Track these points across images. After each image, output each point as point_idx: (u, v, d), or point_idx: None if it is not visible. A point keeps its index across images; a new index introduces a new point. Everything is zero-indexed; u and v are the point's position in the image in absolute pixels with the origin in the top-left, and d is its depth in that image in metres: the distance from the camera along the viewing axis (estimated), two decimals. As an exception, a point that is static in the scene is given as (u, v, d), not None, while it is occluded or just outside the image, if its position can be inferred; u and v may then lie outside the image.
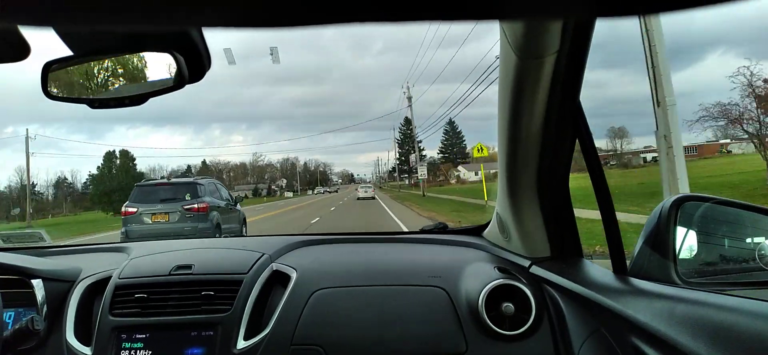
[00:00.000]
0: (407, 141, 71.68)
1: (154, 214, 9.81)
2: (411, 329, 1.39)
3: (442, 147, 78.41)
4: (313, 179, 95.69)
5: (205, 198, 9.99)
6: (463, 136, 77.02)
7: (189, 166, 74.76)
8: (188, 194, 9.96)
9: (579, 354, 1.24)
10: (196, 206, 9.68)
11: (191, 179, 11.06)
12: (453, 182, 65.02)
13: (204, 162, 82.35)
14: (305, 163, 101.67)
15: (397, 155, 75.29)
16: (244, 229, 11.66)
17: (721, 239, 1.33)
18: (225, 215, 10.46)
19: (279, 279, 1.55)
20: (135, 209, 9.85)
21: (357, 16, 0.25)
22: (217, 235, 9.43)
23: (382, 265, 1.65)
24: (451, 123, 76.16)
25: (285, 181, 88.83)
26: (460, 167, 70.00)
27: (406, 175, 74.77)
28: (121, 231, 10.03)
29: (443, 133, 78.10)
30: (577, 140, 1.29)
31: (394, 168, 77.91)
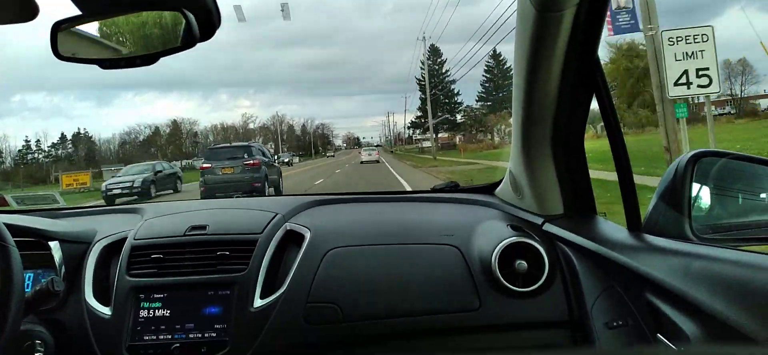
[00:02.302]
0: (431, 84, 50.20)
1: (223, 168, 13.34)
2: (424, 286, 1.40)
3: (482, 92, 56.76)
4: (303, 144, 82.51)
5: (256, 156, 13.68)
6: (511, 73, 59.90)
7: (157, 127, 72.21)
8: (245, 154, 13.64)
9: (592, 310, 1.25)
10: (251, 161, 13.35)
11: (246, 143, 15.31)
12: (497, 140, 48.73)
13: (174, 121, 74.91)
14: (303, 124, 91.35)
15: (420, 102, 56.74)
16: (281, 180, 15.28)
17: (737, 194, 1.32)
18: (269, 169, 14.26)
19: (293, 238, 1.56)
20: (210, 165, 13.54)
21: None
22: (266, 183, 13.43)
23: (395, 223, 1.65)
24: (495, 57, 54.19)
25: (272, 146, 76.46)
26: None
27: (429, 133, 51.77)
28: (201, 180, 13.52)
29: (484, 72, 55.82)
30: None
31: (412, 124, 62.16)
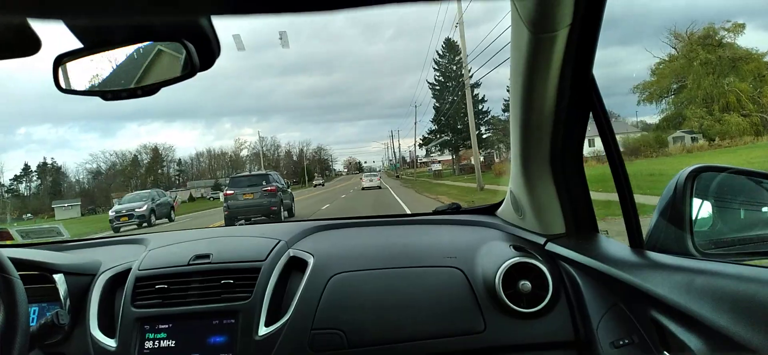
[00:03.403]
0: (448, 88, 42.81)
1: (244, 194, 15.06)
2: (429, 310, 1.40)
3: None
4: (297, 170, 73.04)
5: (273, 183, 15.38)
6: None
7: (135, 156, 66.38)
8: (264, 181, 15.36)
9: (597, 329, 1.24)
10: (269, 188, 15.00)
11: (264, 172, 17.39)
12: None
13: (155, 148, 69.12)
14: (302, 150, 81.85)
15: (434, 113, 45.36)
16: (293, 204, 16.99)
17: (738, 208, 1.31)
18: (283, 194, 15.86)
19: (296, 265, 1.56)
20: (232, 191, 15.37)
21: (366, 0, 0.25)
22: (281, 206, 14.88)
23: (398, 247, 1.65)
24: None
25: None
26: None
27: (447, 150, 45.42)
28: (224, 205, 15.44)
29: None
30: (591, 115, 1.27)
31: (423, 140, 47.76)
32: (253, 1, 0.25)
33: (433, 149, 50.77)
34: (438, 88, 45.42)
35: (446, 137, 45.21)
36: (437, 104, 45.27)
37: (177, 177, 71.42)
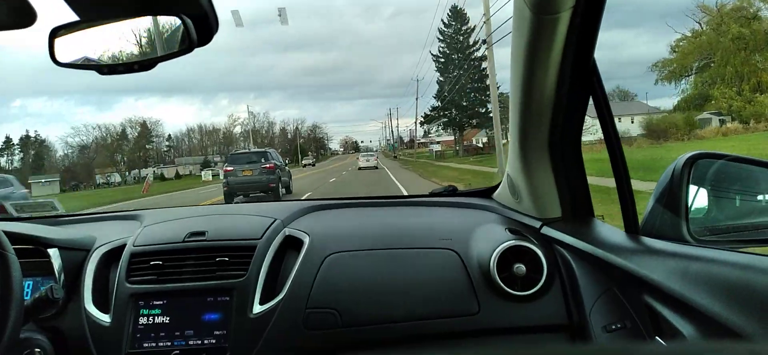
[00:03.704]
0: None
1: (243, 170, 15.46)
2: (423, 291, 1.40)
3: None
4: (291, 148, 69.83)
5: (271, 160, 15.86)
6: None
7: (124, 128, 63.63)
8: (263, 158, 15.86)
9: (590, 313, 1.25)
10: (268, 165, 15.46)
11: (263, 150, 17.26)
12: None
13: (143, 122, 66.48)
14: (296, 127, 79.78)
15: (438, 86, 41.32)
16: (291, 182, 17.65)
17: (734, 196, 1.32)
18: (281, 172, 16.36)
19: (292, 244, 1.56)
20: (232, 168, 15.76)
21: None
22: (279, 183, 15.31)
23: (393, 228, 1.65)
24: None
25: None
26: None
27: (449, 129, 42.38)
28: (223, 181, 15.95)
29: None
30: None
31: (425, 118, 44.22)
32: None
33: (435, 128, 46.90)
34: (442, 60, 41.78)
35: (449, 115, 41.66)
36: (441, 78, 41.80)
37: (166, 153, 69.42)
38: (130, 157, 61.46)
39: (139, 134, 65.66)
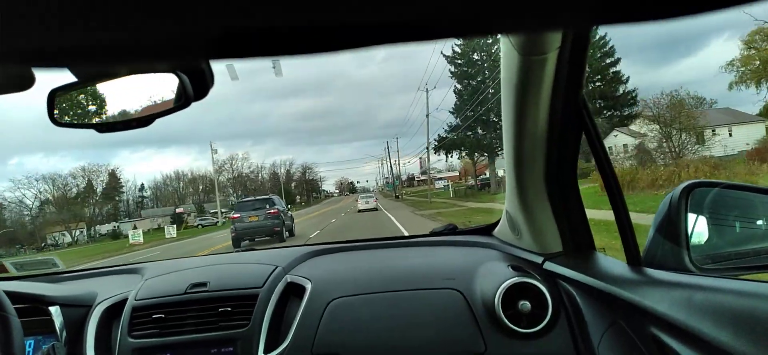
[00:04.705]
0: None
1: (250, 216, 16.23)
2: (428, 332, 1.39)
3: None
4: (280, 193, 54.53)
5: (276, 206, 16.79)
6: (613, 50, 29.07)
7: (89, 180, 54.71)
8: (267, 204, 16.61)
9: (598, 348, 1.23)
10: (272, 210, 16.31)
11: (267, 196, 18.03)
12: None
13: (112, 172, 59.16)
14: (287, 170, 74.46)
15: (456, 96, 32.05)
16: (294, 225, 18.57)
17: (733, 223, 1.32)
18: (284, 216, 17.33)
19: (294, 291, 1.55)
20: (238, 215, 16.66)
21: (360, 42, 0.25)
22: (283, 227, 16.20)
23: (396, 270, 1.65)
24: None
25: (234, 198, 55.32)
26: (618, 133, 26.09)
27: (479, 154, 32.17)
28: (232, 228, 16.57)
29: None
30: (583, 134, 1.28)
31: (438, 143, 34.67)
32: (247, 47, 0.25)
33: (456, 154, 35.93)
34: (460, 62, 31.62)
35: (472, 136, 31.63)
36: (458, 86, 31.70)
37: (139, 204, 63.71)
38: (91, 212, 52.66)
39: (107, 185, 58.58)
